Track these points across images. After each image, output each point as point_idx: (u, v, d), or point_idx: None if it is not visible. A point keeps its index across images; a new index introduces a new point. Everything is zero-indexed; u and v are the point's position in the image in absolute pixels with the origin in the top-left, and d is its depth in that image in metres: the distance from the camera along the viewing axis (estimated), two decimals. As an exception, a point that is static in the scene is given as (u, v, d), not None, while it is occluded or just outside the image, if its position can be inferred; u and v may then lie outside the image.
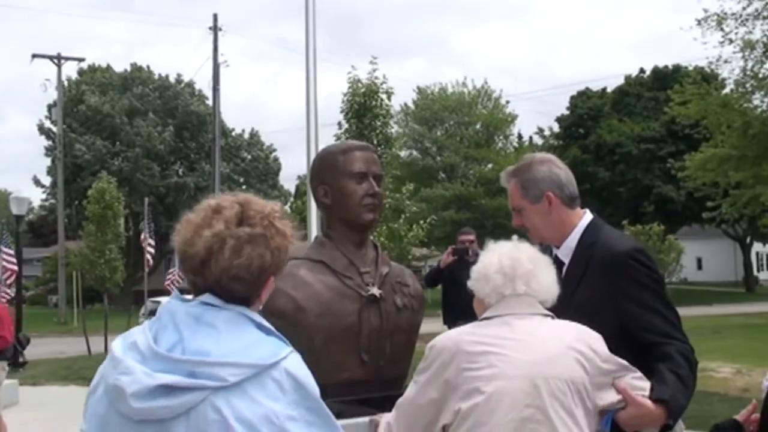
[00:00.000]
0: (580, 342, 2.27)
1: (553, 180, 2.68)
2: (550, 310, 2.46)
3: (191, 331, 1.58)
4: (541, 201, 2.68)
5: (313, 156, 7.88)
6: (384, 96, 15.35)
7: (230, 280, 1.63)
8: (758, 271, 55.32)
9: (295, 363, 1.61)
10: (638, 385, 2.30)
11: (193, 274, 1.67)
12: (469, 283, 2.42)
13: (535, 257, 2.37)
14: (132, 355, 1.58)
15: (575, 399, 2.20)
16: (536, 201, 2.68)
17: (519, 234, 2.57)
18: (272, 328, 1.67)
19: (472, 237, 8.22)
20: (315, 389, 1.63)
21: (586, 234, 2.67)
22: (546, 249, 2.79)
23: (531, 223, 2.72)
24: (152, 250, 15.61)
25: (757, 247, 52.66)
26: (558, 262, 2.67)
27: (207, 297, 1.64)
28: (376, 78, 15.42)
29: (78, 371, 14.60)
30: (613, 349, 2.42)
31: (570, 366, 2.21)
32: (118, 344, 1.64)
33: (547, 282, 2.36)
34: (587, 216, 2.73)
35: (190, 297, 1.69)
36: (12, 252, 18.10)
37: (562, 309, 2.52)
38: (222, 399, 1.52)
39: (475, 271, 2.40)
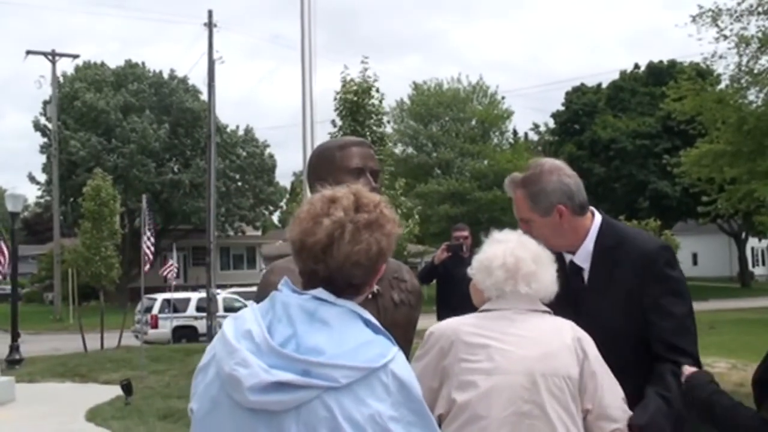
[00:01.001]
0: (575, 340, 2.28)
1: (563, 191, 2.58)
2: (575, 314, 2.45)
3: (305, 327, 1.63)
4: (551, 214, 2.58)
5: (309, 152, 7.90)
6: (375, 94, 15.41)
7: (352, 265, 1.69)
8: (753, 266, 55.54)
9: (400, 364, 1.66)
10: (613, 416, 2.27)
11: (314, 262, 1.70)
12: (470, 271, 2.42)
13: (539, 256, 2.37)
14: (246, 345, 1.62)
15: (572, 396, 2.21)
16: (546, 214, 2.58)
17: (514, 229, 2.52)
18: (379, 324, 1.72)
19: (466, 233, 8.21)
20: (418, 390, 1.67)
21: (603, 235, 2.59)
22: (557, 256, 2.72)
23: (540, 234, 2.60)
24: (152, 247, 15.51)
25: (752, 242, 52.86)
26: (575, 268, 2.63)
27: (319, 292, 1.69)
28: (368, 77, 15.48)
29: (74, 368, 14.61)
30: (632, 355, 2.43)
31: (567, 363, 2.23)
32: (230, 328, 1.68)
33: (547, 282, 2.36)
34: (597, 217, 2.64)
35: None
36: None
37: (592, 318, 2.50)
38: (333, 398, 1.57)
39: (478, 260, 2.40)
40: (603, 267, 2.54)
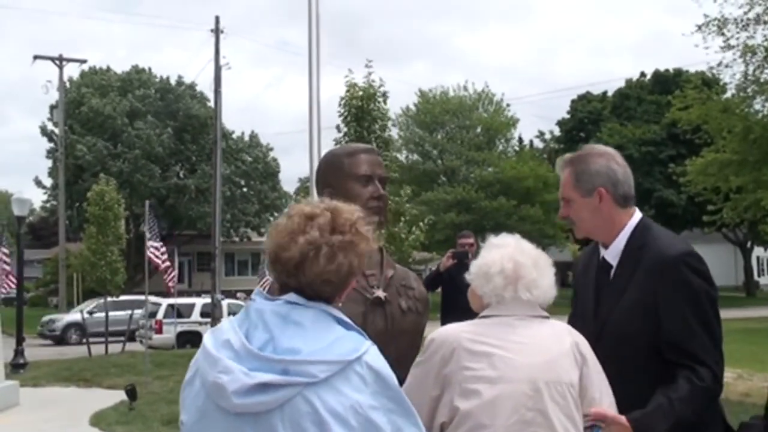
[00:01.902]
0: (574, 345, 2.28)
1: (609, 176, 2.58)
2: (592, 314, 2.46)
3: (280, 330, 1.72)
4: (592, 195, 2.57)
5: (316, 158, 7.92)
6: (381, 99, 15.39)
7: (321, 283, 1.78)
8: (759, 275, 55.33)
9: (374, 356, 1.75)
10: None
11: (286, 276, 1.80)
12: (468, 277, 2.42)
13: (537, 261, 2.36)
14: (226, 353, 1.71)
15: (575, 402, 2.21)
16: (587, 195, 2.57)
17: (519, 234, 2.51)
18: (351, 322, 1.81)
19: (471, 240, 8.25)
20: (393, 379, 1.75)
21: (635, 235, 2.57)
22: (593, 251, 2.74)
23: (578, 216, 2.62)
24: (156, 252, 15.42)
25: (757, 251, 52.69)
26: (605, 265, 2.62)
27: (291, 296, 1.78)
28: (373, 81, 15.48)
29: (78, 372, 14.62)
30: (644, 360, 2.43)
31: (569, 370, 2.23)
32: (210, 341, 1.78)
33: (546, 287, 2.35)
34: (636, 215, 2.62)
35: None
36: (7, 252, 18.07)
37: (606, 314, 2.52)
38: (313, 393, 1.66)
39: (476, 266, 2.40)
40: (628, 267, 2.53)
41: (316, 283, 1.77)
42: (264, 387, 1.65)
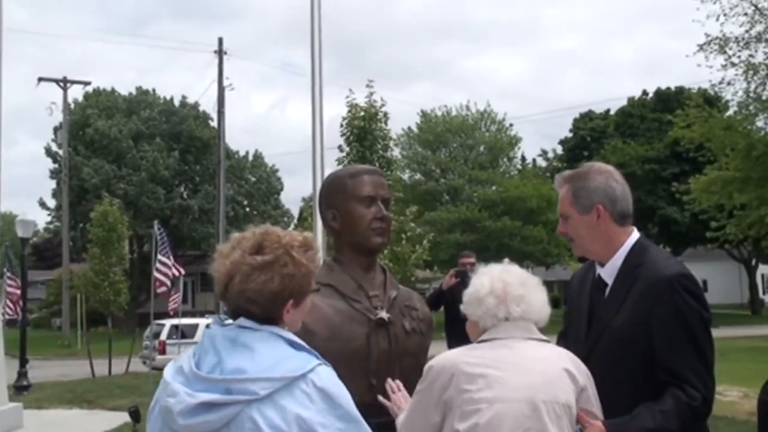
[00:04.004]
0: (572, 369, 2.29)
1: (607, 193, 2.58)
2: (585, 331, 2.45)
3: (228, 353, 1.79)
4: (590, 212, 2.58)
5: (319, 179, 7.95)
6: (382, 120, 15.43)
7: (246, 302, 1.84)
8: (764, 293, 55.09)
9: (322, 374, 1.79)
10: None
11: (219, 296, 1.91)
12: (462, 307, 2.44)
13: (525, 280, 2.39)
14: (178, 378, 1.80)
15: (570, 423, 2.23)
16: (585, 212, 2.59)
17: (521, 256, 2.53)
18: (304, 344, 1.86)
19: (472, 260, 8.31)
20: (344, 398, 1.79)
21: (632, 254, 2.57)
22: (589, 268, 2.76)
23: (576, 234, 2.63)
24: (165, 269, 15.32)
25: (762, 269, 52.46)
26: (600, 283, 2.63)
27: (242, 320, 1.85)
28: (375, 101, 15.52)
29: (82, 394, 14.56)
30: (637, 382, 2.42)
31: (566, 390, 2.24)
32: (168, 370, 1.86)
33: (538, 304, 2.37)
34: (634, 235, 2.62)
35: (229, 321, 1.90)
36: (12, 275, 18.11)
37: (600, 332, 2.53)
38: (255, 410, 1.71)
39: (467, 294, 2.42)
40: (623, 286, 2.53)
41: (240, 300, 1.85)
42: (208, 406, 1.71)
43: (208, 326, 1.96)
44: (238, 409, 1.71)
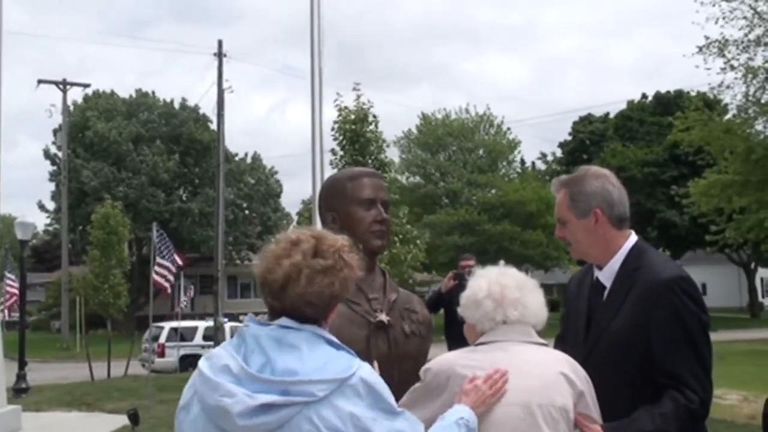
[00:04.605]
0: (570, 373, 2.28)
1: (604, 197, 2.59)
2: (583, 334, 2.45)
3: (276, 353, 1.82)
4: (587, 216, 2.58)
5: (319, 181, 7.97)
6: (372, 119, 15.43)
7: (304, 304, 1.88)
8: (763, 296, 55.10)
9: (366, 372, 1.86)
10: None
11: (271, 298, 1.91)
12: (459, 310, 2.43)
13: (522, 283, 2.38)
14: (225, 377, 1.80)
15: (568, 427, 2.22)
16: (583, 216, 2.59)
17: (520, 259, 2.54)
18: (340, 343, 1.91)
19: (472, 262, 8.32)
20: (387, 393, 1.87)
21: (630, 257, 2.57)
22: (587, 271, 2.76)
23: (574, 238, 2.64)
24: (164, 271, 15.23)
25: (761, 272, 52.50)
26: (599, 286, 2.63)
27: (284, 320, 1.88)
28: (363, 104, 15.52)
29: (81, 397, 14.54)
30: (635, 385, 2.42)
31: (563, 394, 2.23)
32: (206, 366, 1.86)
33: (535, 307, 2.37)
34: (632, 238, 2.63)
35: (261, 320, 1.94)
36: (13, 277, 18.10)
37: (598, 335, 2.53)
38: (313, 411, 1.76)
39: (464, 297, 2.41)
40: (621, 289, 2.53)
41: (299, 304, 1.87)
42: (266, 408, 1.73)
43: (244, 324, 1.97)
44: (296, 410, 1.75)
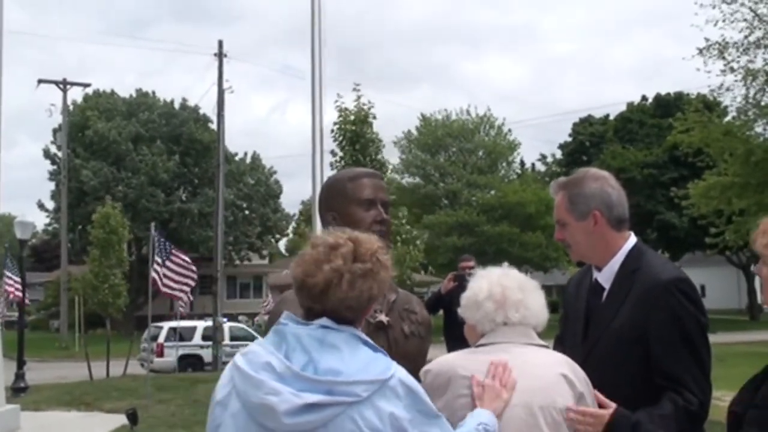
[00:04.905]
0: (571, 375, 2.28)
1: (603, 199, 2.58)
2: (582, 336, 2.45)
3: (319, 353, 1.84)
4: (587, 219, 2.58)
5: (319, 182, 7.97)
6: (373, 121, 15.44)
7: (344, 308, 1.91)
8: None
9: (403, 374, 1.89)
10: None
11: (311, 301, 1.92)
12: (460, 311, 2.43)
13: (524, 284, 2.38)
14: (268, 375, 1.82)
15: (569, 428, 2.22)
16: (582, 218, 2.59)
17: (520, 261, 2.53)
18: (375, 344, 1.94)
19: (471, 263, 8.30)
20: (424, 394, 1.91)
21: (629, 259, 2.57)
22: (586, 273, 2.76)
23: (573, 240, 2.63)
24: (155, 275, 15.22)
25: (761, 274, 52.39)
26: (597, 287, 2.63)
27: (324, 320, 1.90)
28: (364, 104, 15.52)
29: (79, 397, 14.53)
30: (634, 386, 2.42)
31: (563, 395, 2.23)
32: (244, 363, 1.88)
33: (536, 309, 2.36)
34: (631, 239, 2.63)
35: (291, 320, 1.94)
36: (11, 275, 18.08)
37: (597, 336, 2.53)
38: (356, 411, 1.80)
39: (465, 298, 2.41)
40: (620, 290, 2.54)
41: (340, 308, 1.89)
42: (312, 407, 1.77)
43: (281, 322, 1.98)
44: (340, 410, 1.78)
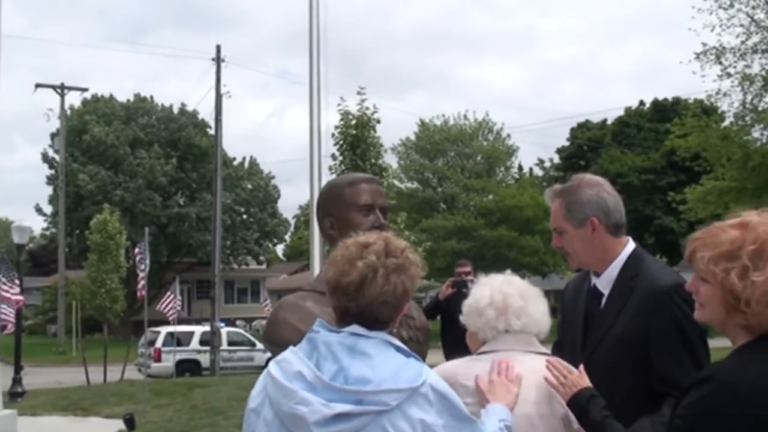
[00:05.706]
0: None
1: (599, 205, 2.57)
2: (581, 342, 2.45)
3: (349, 361, 1.85)
4: (584, 226, 2.56)
5: (317, 187, 7.96)
6: (376, 125, 15.43)
7: (380, 304, 1.91)
8: (760, 303, 55.14)
9: (435, 378, 1.89)
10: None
11: (347, 300, 1.92)
12: (461, 318, 2.43)
13: (526, 292, 2.38)
14: (300, 384, 1.83)
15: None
16: (579, 225, 2.57)
17: (518, 266, 2.53)
18: (407, 349, 1.94)
19: (468, 268, 8.33)
20: (457, 398, 1.90)
21: (628, 265, 2.56)
22: (584, 278, 2.75)
23: (571, 247, 2.62)
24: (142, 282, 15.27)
25: (758, 279, 52.49)
26: (596, 293, 2.62)
27: (354, 328, 1.91)
28: (367, 108, 15.51)
29: (77, 402, 14.51)
30: (634, 391, 2.41)
31: (563, 403, 2.23)
32: (277, 372, 1.89)
33: (538, 316, 2.36)
34: (630, 245, 2.62)
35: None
36: (5, 280, 17.99)
37: (597, 343, 2.52)
38: (386, 420, 1.80)
39: (467, 305, 2.41)
40: (619, 296, 2.53)
41: (375, 304, 1.90)
42: (341, 417, 1.78)
43: (314, 330, 1.99)
44: (370, 419, 1.79)
